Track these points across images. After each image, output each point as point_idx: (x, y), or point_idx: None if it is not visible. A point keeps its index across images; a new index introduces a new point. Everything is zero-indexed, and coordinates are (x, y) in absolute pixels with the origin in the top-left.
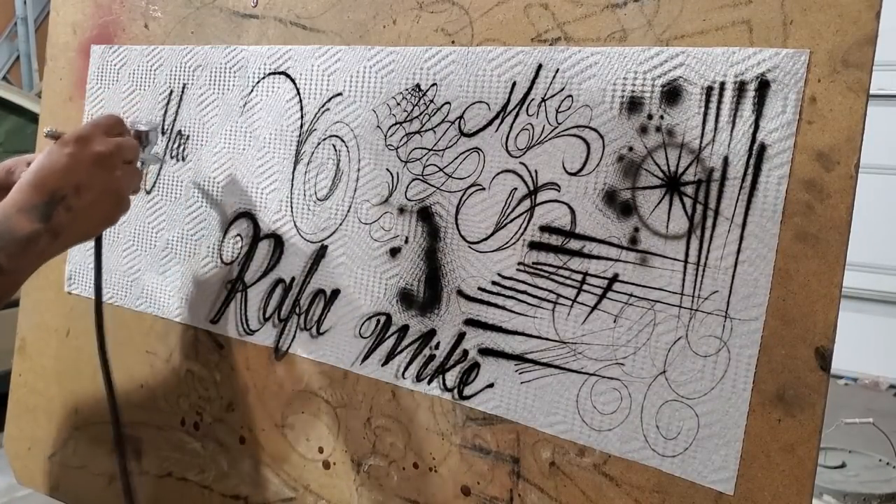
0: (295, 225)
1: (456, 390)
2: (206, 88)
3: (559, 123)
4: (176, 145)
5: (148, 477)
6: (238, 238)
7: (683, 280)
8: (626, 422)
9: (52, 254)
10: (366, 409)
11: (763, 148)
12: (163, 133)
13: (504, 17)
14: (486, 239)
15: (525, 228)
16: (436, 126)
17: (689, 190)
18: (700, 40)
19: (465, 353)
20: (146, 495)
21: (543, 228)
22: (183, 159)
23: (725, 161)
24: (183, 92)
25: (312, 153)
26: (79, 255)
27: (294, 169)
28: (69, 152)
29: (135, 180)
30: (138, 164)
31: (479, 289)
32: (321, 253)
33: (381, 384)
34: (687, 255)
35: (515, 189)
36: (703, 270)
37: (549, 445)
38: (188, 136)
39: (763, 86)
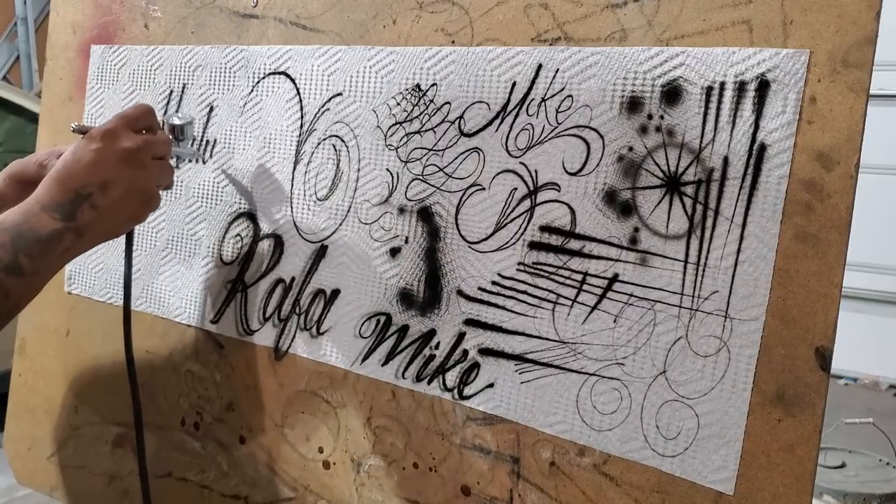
0: (295, 225)
1: (456, 390)
2: (206, 88)
3: (559, 123)
4: None
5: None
6: (238, 238)
7: (683, 280)
8: (626, 422)
9: (76, 252)
10: (366, 409)
11: (763, 148)
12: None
13: (504, 17)
14: (486, 239)
15: (525, 228)
16: (436, 126)
17: (689, 190)
18: (700, 40)
19: (465, 353)
20: None
21: (543, 228)
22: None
23: (725, 161)
24: (183, 92)
25: (312, 153)
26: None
27: (294, 169)
28: (95, 148)
29: (165, 176)
30: (172, 159)
31: (479, 289)
32: (321, 253)
33: (381, 384)
34: (687, 255)
35: (515, 189)
36: (703, 270)
37: (549, 445)
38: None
39: (763, 86)
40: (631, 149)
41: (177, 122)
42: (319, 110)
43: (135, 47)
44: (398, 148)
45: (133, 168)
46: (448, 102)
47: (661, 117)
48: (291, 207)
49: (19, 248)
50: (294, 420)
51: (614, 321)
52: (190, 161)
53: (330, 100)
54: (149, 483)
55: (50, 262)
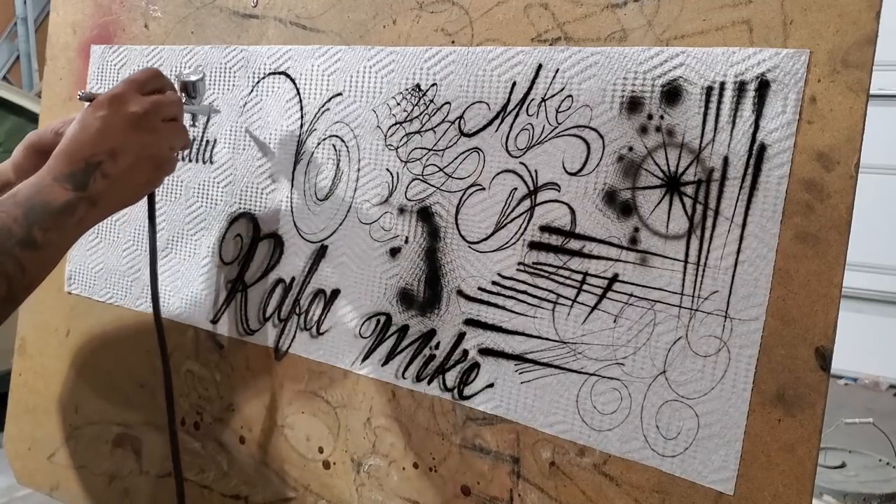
0: (295, 225)
1: (456, 390)
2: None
3: (559, 123)
4: None
5: (148, 477)
6: (238, 238)
7: (683, 280)
8: (626, 422)
9: (90, 223)
10: (366, 409)
11: (763, 148)
12: None
13: (504, 17)
14: (486, 239)
15: (525, 228)
16: (436, 126)
17: (689, 190)
18: (700, 40)
19: (465, 353)
20: (146, 495)
21: (543, 228)
22: (183, 159)
23: (725, 161)
24: None
25: (312, 153)
26: (79, 255)
27: (294, 169)
28: (102, 115)
29: (179, 138)
30: (188, 118)
31: (479, 289)
32: (321, 253)
33: (381, 384)
34: (687, 255)
35: (515, 189)
36: (703, 270)
37: (549, 445)
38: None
39: (763, 86)
40: (631, 149)
41: (191, 78)
42: (319, 110)
43: (135, 47)
44: (398, 148)
45: (142, 133)
46: (448, 102)
47: (661, 117)
48: (291, 207)
49: (32, 222)
50: (294, 420)
51: (614, 321)
52: (206, 118)
53: (330, 100)
54: (183, 482)
55: (64, 234)
